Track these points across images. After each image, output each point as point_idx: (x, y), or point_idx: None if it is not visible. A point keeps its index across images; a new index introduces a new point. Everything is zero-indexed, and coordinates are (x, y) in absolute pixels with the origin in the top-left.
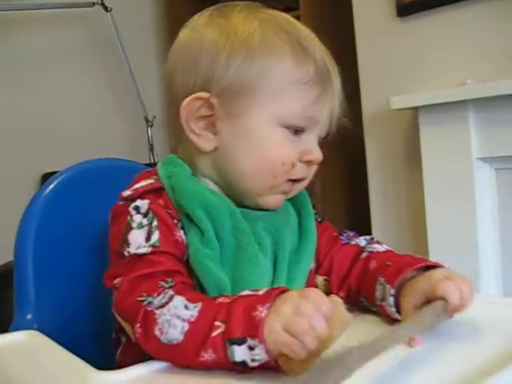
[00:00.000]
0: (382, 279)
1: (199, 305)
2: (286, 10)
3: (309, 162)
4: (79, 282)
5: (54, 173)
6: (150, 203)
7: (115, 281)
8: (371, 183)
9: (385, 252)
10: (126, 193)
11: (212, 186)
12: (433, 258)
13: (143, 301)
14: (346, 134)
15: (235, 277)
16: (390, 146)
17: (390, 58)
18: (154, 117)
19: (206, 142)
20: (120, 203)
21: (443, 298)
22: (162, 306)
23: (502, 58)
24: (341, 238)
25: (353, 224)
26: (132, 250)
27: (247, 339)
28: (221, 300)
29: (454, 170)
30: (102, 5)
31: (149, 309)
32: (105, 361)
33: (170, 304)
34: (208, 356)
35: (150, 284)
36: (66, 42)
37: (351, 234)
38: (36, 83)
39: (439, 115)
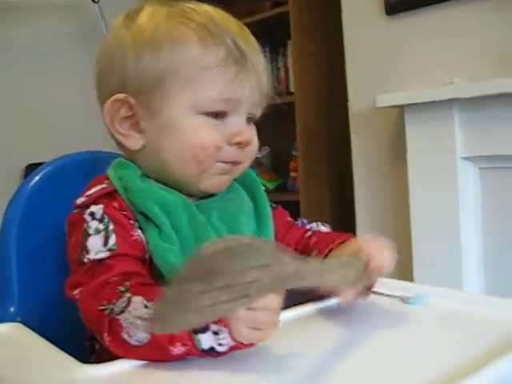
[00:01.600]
0: (314, 253)
1: None
2: (275, 4)
3: (238, 144)
4: (63, 277)
5: (39, 164)
6: (104, 207)
7: (75, 291)
8: (356, 180)
9: (327, 232)
10: (80, 200)
11: (158, 183)
12: (417, 255)
13: (105, 309)
14: (332, 130)
15: None
16: (375, 143)
17: (378, 56)
18: None
19: (132, 141)
20: (75, 211)
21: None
22: (122, 311)
23: (489, 57)
24: (296, 223)
25: (337, 221)
26: (91, 256)
27: (210, 325)
28: None
29: (438, 168)
30: None
31: (112, 316)
32: (86, 358)
33: (130, 307)
34: (178, 350)
35: (109, 291)
36: (54, 32)
37: (305, 221)
38: (22, 73)
39: (425, 114)
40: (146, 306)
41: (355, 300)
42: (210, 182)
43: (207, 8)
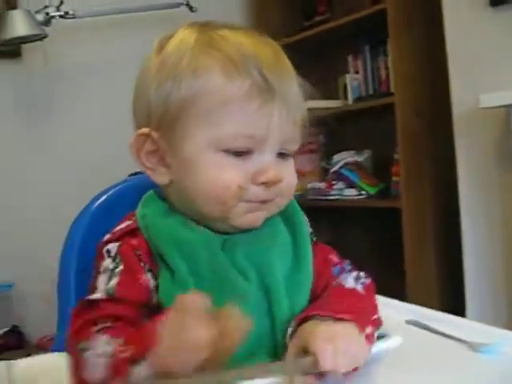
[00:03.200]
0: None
1: (120, 339)
2: (374, 1)
3: (264, 184)
4: None
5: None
6: (119, 245)
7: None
8: (461, 188)
9: (346, 289)
10: (106, 237)
11: (186, 218)
12: None
13: (79, 350)
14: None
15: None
16: (480, 146)
17: (481, 52)
18: None
19: (159, 176)
20: (99, 244)
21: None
22: (87, 349)
23: None
24: (332, 268)
25: (441, 227)
26: (94, 295)
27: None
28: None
29: None
30: (188, 5)
31: (81, 354)
32: None
33: (95, 344)
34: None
35: (88, 333)
36: (152, 43)
37: (347, 266)
38: (125, 84)
39: None
40: (109, 341)
41: None
42: (239, 221)
43: (239, 34)
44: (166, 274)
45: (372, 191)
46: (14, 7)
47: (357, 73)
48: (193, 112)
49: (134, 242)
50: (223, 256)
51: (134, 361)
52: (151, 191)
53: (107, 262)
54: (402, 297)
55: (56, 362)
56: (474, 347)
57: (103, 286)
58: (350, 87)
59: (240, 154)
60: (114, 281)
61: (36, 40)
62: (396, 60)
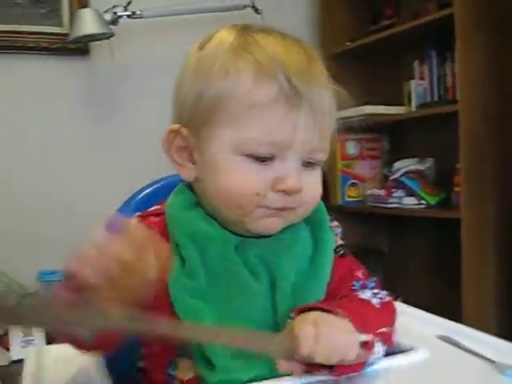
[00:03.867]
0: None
1: None
2: (441, 6)
3: (282, 192)
4: None
5: None
6: (137, 221)
7: None
8: None
9: (359, 298)
10: (136, 214)
11: (207, 215)
12: None
13: None
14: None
15: (227, 306)
16: None
17: None
18: None
19: (187, 172)
20: None
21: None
22: None
23: None
24: (354, 283)
25: (504, 242)
26: None
27: None
28: None
29: None
30: (253, 7)
31: None
32: None
33: None
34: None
35: None
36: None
37: (371, 283)
38: None
39: None
40: None
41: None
42: (254, 226)
43: (275, 39)
44: (178, 263)
45: (432, 201)
46: (85, 6)
47: (422, 79)
48: (220, 113)
49: (154, 219)
50: (236, 254)
51: None
52: (185, 183)
53: None
54: (456, 310)
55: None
56: (500, 368)
57: None
58: (415, 93)
59: (262, 159)
60: None
61: (103, 38)
62: (462, 66)
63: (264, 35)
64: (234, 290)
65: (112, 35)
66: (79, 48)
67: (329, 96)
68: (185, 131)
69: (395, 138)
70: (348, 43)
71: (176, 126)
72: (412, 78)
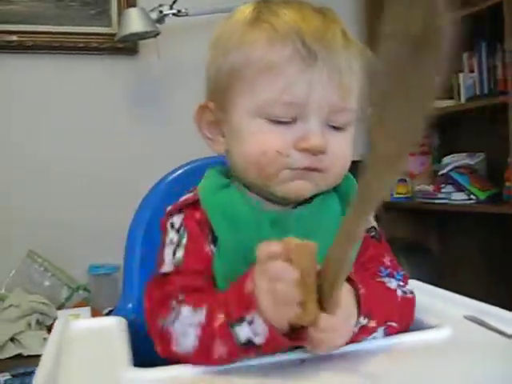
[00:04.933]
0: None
1: (204, 308)
2: None
3: (305, 151)
4: None
5: None
6: (184, 218)
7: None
8: None
9: (385, 286)
10: (169, 207)
11: (244, 190)
12: None
13: (160, 324)
14: None
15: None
16: None
17: None
18: None
19: (217, 146)
20: (163, 218)
21: None
22: (173, 322)
23: None
24: (380, 269)
25: None
26: (163, 268)
27: (245, 316)
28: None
29: None
30: None
31: (164, 328)
32: None
33: (179, 318)
34: (220, 350)
35: (165, 308)
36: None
37: (399, 275)
38: None
39: None
40: (194, 311)
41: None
42: (281, 189)
43: (290, 8)
44: (216, 247)
45: (482, 196)
46: (133, 5)
47: (472, 71)
48: (238, 83)
49: (197, 214)
50: (271, 231)
51: (232, 322)
52: (216, 166)
53: (172, 234)
54: (508, 307)
55: (110, 325)
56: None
57: (170, 259)
58: (464, 86)
59: (283, 122)
60: (181, 253)
61: (149, 37)
62: (510, 57)
63: (281, 6)
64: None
65: (158, 33)
66: (128, 47)
67: (347, 55)
68: (212, 105)
69: (445, 133)
70: None
71: (204, 102)
72: (461, 70)
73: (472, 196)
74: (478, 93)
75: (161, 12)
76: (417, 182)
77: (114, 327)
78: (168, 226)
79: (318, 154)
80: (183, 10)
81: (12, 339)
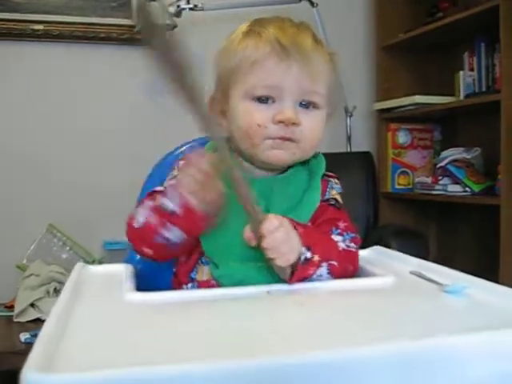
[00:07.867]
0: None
1: (157, 196)
2: None
3: (281, 122)
4: None
5: None
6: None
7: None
8: None
9: (328, 236)
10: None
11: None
12: None
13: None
14: None
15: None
16: None
17: None
18: (355, 107)
19: (224, 127)
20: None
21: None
22: (137, 208)
23: None
24: (332, 229)
25: None
26: (156, 188)
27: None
28: None
29: None
30: (309, 0)
31: (131, 215)
32: None
33: (142, 205)
34: (153, 218)
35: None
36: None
37: (349, 235)
38: None
39: None
40: (150, 200)
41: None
42: (264, 156)
43: (275, 22)
44: None
45: (476, 188)
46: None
47: (471, 70)
48: (235, 76)
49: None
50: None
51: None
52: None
53: (175, 172)
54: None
55: (120, 269)
56: (442, 287)
57: (164, 184)
58: (463, 84)
59: (264, 101)
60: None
61: (167, 30)
62: (505, 56)
63: (268, 21)
64: (234, 212)
65: (175, 26)
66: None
67: (314, 52)
68: (218, 96)
69: (447, 128)
70: (401, 35)
71: (211, 92)
72: (462, 69)
73: (467, 188)
74: (476, 90)
75: (178, 6)
76: (418, 174)
77: (123, 270)
78: (174, 166)
79: (291, 125)
80: (199, 5)
81: (32, 305)
